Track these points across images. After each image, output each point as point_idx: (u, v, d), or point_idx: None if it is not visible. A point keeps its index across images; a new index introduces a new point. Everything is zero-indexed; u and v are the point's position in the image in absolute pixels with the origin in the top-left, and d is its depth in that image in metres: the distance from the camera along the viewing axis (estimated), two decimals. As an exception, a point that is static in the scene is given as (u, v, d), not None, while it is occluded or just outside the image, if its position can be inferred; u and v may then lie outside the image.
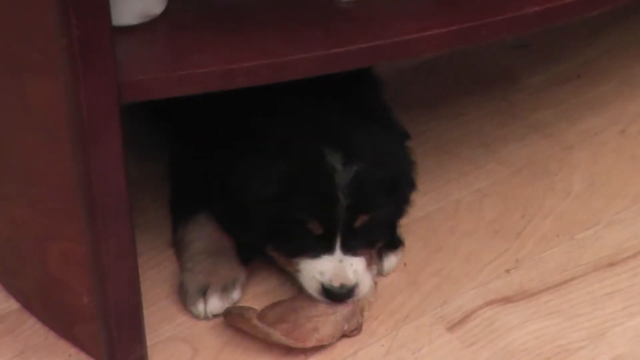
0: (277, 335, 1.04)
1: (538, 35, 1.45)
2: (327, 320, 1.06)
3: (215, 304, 1.09)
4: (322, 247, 1.05)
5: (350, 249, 1.05)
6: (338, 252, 1.05)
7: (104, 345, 1.03)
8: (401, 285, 1.15)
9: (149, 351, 1.06)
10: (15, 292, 1.12)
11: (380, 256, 1.14)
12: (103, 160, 0.91)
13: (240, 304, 1.10)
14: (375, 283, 1.10)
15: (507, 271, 1.16)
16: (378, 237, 1.10)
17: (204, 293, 1.09)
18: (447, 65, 1.43)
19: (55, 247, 1.01)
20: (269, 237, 1.07)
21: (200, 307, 1.09)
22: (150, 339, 1.07)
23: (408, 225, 1.20)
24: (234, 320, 1.07)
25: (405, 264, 1.17)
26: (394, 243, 1.14)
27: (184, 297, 1.11)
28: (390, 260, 1.15)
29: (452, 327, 1.10)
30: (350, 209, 1.03)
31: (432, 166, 1.29)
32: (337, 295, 1.05)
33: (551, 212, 1.23)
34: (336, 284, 1.05)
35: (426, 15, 0.97)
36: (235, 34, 0.94)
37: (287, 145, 1.05)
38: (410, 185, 1.12)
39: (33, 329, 1.10)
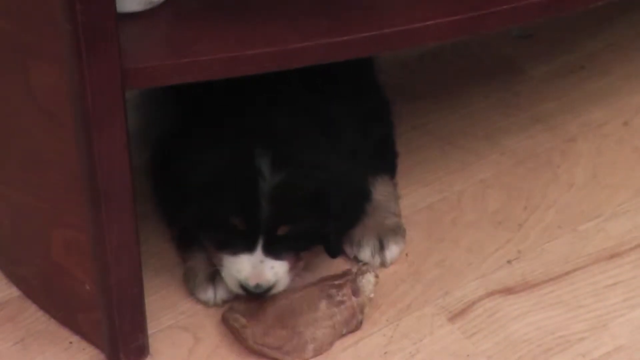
0: (273, 354, 1.04)
1: (542, 26, 1.45)
2: (326, 326, 1.06)
3: (225, 290, 1.09)
4: (244, 245, 1.04)
5: (272, 252, 1.04)
6: (259, 252, 1.04)
7: (106, 333, 1.03)
8: (403, 275, 1.15)
9: (151, 339, 1.06)
10: (17, 280, 1.12)
11: (382, 246, 1.14)
12: (107, 147, 0.91)
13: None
14: (377, 277, 1.10)
15: (509, 262, 1.16)
16: (303, 246, 1.08)
17: (212, 280, 1.09)
18: (451, 55, 1.43)
19: (58, 234, 1.01)
20: (200, 225, 1.07)
21: (210, 293, 1.09)
22: (152, 327, 1.07)
23: (410, 216, 1.20)
24: (230, 328, 1.07)
25: (407, 255, 1.16)
26: (331, 251, 1.11)
27: (192, 284, 1.11)
28: (392, 250, 1.14)
29: (453, 318, 1.10)
30: (272, 217, 1.02)
31: (435, 157, 1.28)
32: (252, 293, 1.05)
33: (554, 203, 1.23)
34: (252, 283, 1.04)
35: (431, 4, 0.97)
36: (240, 22, 0.94)
37: (225, 140, 1.04)
38: (342, 199, 1.07)
39: (34, 316, 1.10)
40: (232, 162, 1.03)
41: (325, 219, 1.05)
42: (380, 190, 1.18)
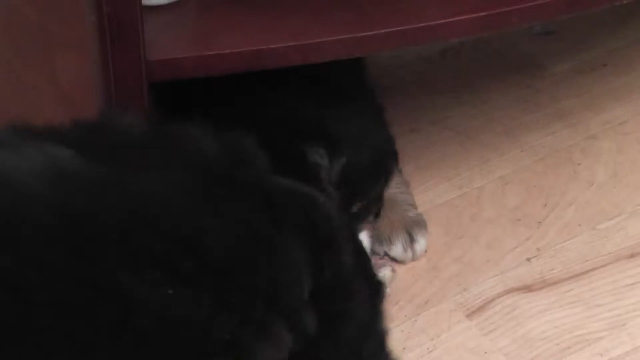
0: None
1: (564, 23, 1.44)
2: None
3: None
4: None
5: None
6: None
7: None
8: (421, 271, 1.15)
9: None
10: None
11: (411, 239, 1.14)
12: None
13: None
14: (394, 271, 1.10)
15: (528, 259, 1.16)
16: (371, 212, 1.10)
17: None
18: (472, 51, 1.42)
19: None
20: None
21: None
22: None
23: (429, 212, 1.20)
24: None
25: (425, 250, 1.16)
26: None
27: None
28: (421, 243, 1.14)
29: (471, 314, 1.10)
30: (346, 200, 1.04)
31: (455, 152, 1.28)
32: None
33: (574, 201, 1.23)
34: None
35: (455, 0, 0.97)
36: (265, 15, 0.94)
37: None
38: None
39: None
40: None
41: (385, 181, 1.08)
42: (391, 183, 1.18)
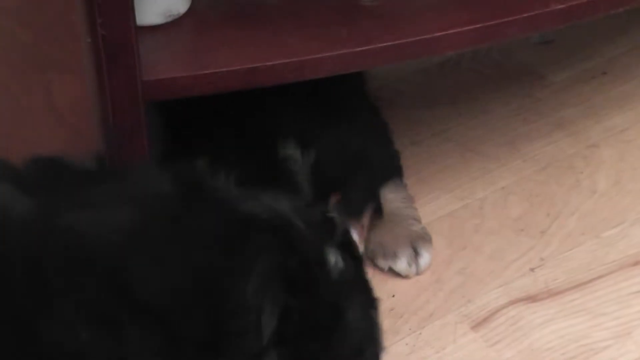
0: None
1: (563, 32, 1.44)
2: None
3: None
4: None
5: None
6: None
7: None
8: (425, 283, 1.14)
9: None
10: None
11: (416, 254, 1.13)
12: (128, 159, 0.91)
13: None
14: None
15: (532, 270, 1.16)
16: (361, 209, 1.12)
17: None
18: (471, 62, 1.42)
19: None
20: None
21: None
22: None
23: (432, 224, 1.20)
24: None
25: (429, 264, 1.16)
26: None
27: None
28: (425, 258, 1.14)
29: (476, 326, 1.10)
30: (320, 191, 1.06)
31: (456, 164, 1.28)
32: None
33: (576, 210, 1.23)
34: None
35: (451, 12, 0.97)
36: (260, 32, 0.94)
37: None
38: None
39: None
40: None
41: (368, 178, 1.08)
42: (396, 197, 1.18)
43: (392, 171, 1.19)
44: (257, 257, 0.72)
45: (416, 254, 1.14)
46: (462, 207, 1.23)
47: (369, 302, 0.83)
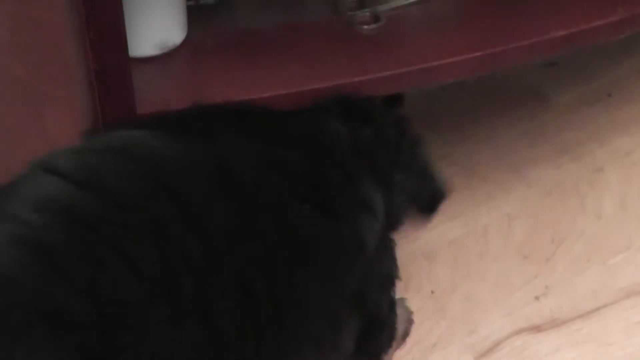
0: None
1: (567, 54, 1.43)
2: None
3: None
4: None
5: None
6: None
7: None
8: (428, 312, 1.13)
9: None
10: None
11: None
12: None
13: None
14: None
15: (537, 298, 1.14)
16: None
17: None
18: (475, 84, 1.41)
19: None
20: None
21: None
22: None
23: (435, 250, 1.18)
24: None
25: (432, 291, 1.15)
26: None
27: None
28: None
29: (480, 357, 1.08)
30: None
31: (460, 189, 1.26)
32: None
33: (582, 235, 1.21)
34: None
35: (450, 41, 0.96)
36: (256, 63, 0.93)
37: None
38: None
39: None
40: None
41: None
42: None
43: None
44: None
45: None
46: (466, 233, 1.22)
47: None
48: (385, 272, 0.92)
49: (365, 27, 0.99)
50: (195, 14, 0.97)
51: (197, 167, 0.74)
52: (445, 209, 1.23)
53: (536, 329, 1.11)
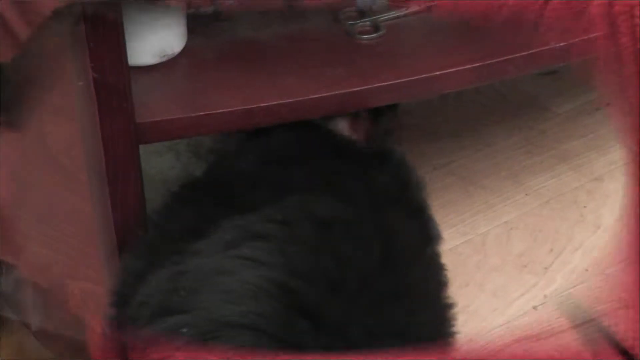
0: None
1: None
2: None
3: None
4: None
5: None
6: None
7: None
8: (427, 321, 1.13)
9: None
10: (35, 331, 1.11)
11: None
12: (121, 202, 0.90)
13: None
14: None
15: (535, 308, 1.14)
16: None
17: None
18: (473, 94, 1.41)
19: (75, 287, 1.00)
20: None
21: None
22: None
23: (434, 260, 1.18)
24: None
25: (431, 300, 1.14)
26: None
27: None
28: None
29: (478, 366, 1.08)
30: None
31: (459, 198, 1.26)
32: None
33: (580, 245, 1.21)
34: None
35: (449, 51, 0.96)
36: (255, 72, 0.93)
37: None
38: None
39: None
40: None
41: None
42: None
43: None
44: None
45: None
46: (464, 242, 1.22)
47: None
48: None
49: (365, 37, 0.99)
50: (194, 23, 0.97)
51: None
52: (444, 217, 1.24)
53: (534, 338, 1.10)
